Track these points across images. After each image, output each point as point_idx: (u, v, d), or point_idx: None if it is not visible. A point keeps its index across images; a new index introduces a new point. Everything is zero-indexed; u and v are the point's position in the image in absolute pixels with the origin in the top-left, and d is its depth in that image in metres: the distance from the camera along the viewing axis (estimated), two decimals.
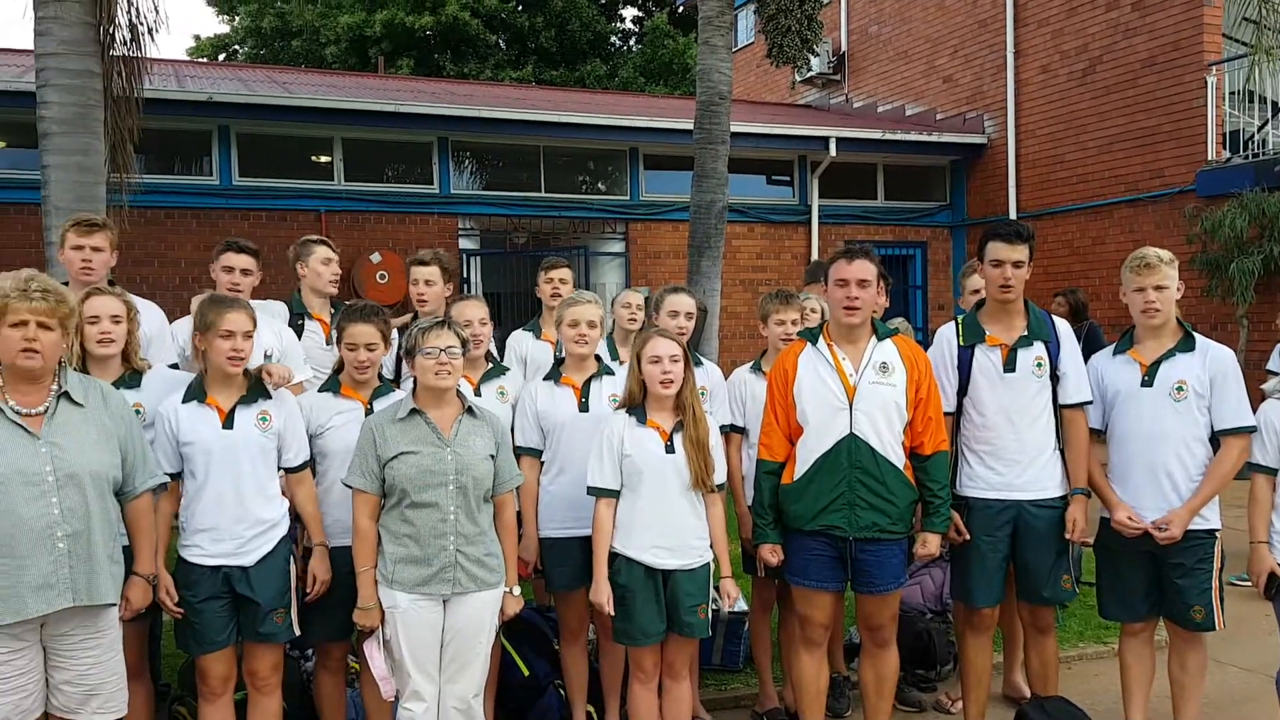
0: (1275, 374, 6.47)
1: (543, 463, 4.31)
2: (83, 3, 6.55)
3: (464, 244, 12.73)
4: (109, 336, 3.72)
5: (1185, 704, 4.18)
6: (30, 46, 6.87)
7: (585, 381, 4.33)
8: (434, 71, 23.89)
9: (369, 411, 3.92)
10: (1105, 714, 4.65)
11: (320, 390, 4.07)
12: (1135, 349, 4.19)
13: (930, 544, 4.05)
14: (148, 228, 10.65)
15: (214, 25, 32.55)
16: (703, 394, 4.36)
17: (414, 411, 3.64)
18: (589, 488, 3.95)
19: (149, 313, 4.38)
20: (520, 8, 26.01)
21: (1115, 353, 4.26)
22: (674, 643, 3.98)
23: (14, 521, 3.03)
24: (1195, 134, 11.50)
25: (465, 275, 12.56)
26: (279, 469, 3.80)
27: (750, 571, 4.61)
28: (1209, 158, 11.37)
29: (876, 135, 14.05)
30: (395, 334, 4.31)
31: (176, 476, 3.69)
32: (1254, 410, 4.03)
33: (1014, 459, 4.18)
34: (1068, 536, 4.20)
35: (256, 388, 3.78)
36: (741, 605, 4.53)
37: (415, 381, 3.72)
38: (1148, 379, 4.10)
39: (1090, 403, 4.23)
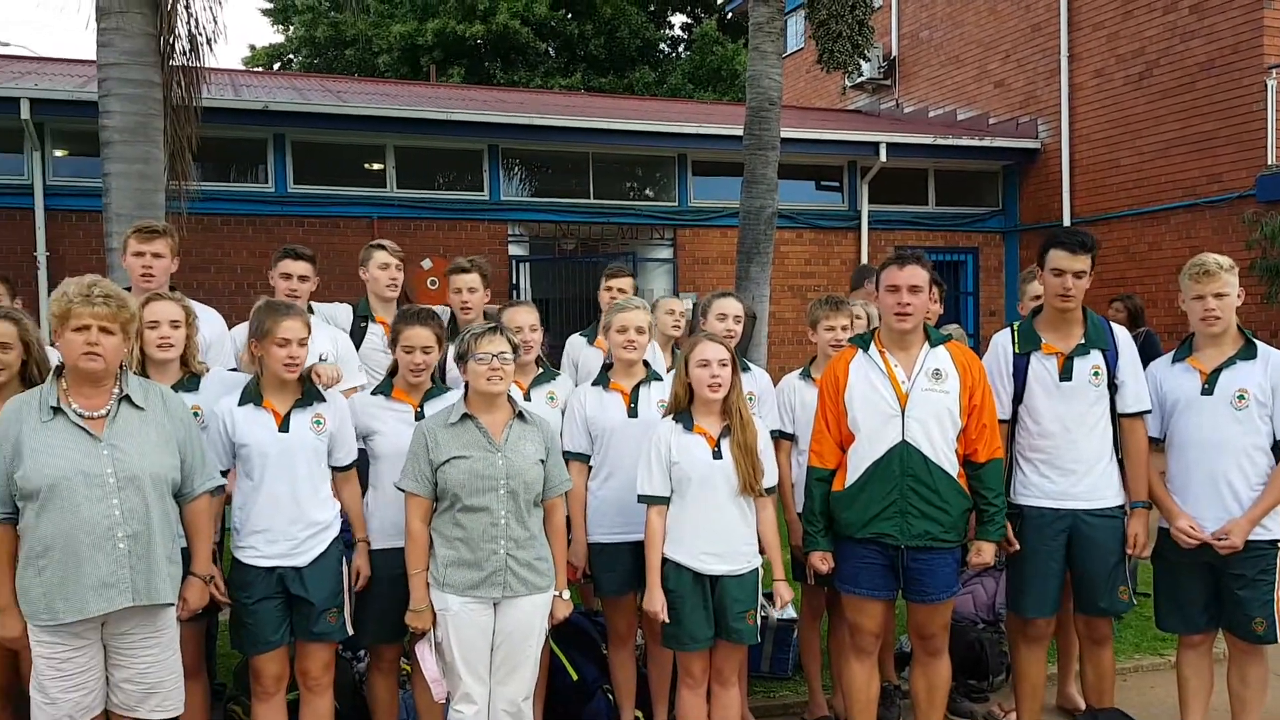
0: None
1: (591, 468, 4.32)
2: (144, 14, 6.71)
3: (513, 250, 12.81)
4: (168, 341, 3.79)
5: (1245, 718, 4.11)
6: (92, 57, 7.03)
7: (634, 387, 4.34)
8: (484, 79, 24.09)
9: (419, 414, 3.97)
10: None
11: (373, 393, 4.12)
12: (1194, 356, 4.12)
13: (985, 553, 4.00)
14: (205, 234, 10.84)
15: (269, 35, 33.10)
16: (750, 399, 4.35)
17: (465, 416, 3.67)
18: (639, 495, 3.95)
19: (209, 318, 4.46)
20: (570, 16, 26.15)
21: (1174, 360, 4.19)
22: (722, 649, 3.97)
23: (76, 522, 3.10)
24: (1255, 138, 11.27)
25: (514, 281, 12.63)
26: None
27: (800, 579, 4.59)
28: (1269, 162, 11.13)
29: (928, 140, 13.95)
30: None
31: (224, 474, 3.75)
32: None
33: (1070, 468, 4.12)
34: (1130, 552, 4.14)
35: (311, 391, 3.84)
36: (790, 613, 4.50)
37: (466, 386, 3.75)
38: (1208, 387, 4.03)
39: (1149, 411, 4.15)
